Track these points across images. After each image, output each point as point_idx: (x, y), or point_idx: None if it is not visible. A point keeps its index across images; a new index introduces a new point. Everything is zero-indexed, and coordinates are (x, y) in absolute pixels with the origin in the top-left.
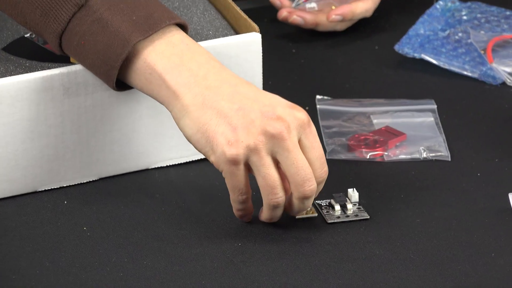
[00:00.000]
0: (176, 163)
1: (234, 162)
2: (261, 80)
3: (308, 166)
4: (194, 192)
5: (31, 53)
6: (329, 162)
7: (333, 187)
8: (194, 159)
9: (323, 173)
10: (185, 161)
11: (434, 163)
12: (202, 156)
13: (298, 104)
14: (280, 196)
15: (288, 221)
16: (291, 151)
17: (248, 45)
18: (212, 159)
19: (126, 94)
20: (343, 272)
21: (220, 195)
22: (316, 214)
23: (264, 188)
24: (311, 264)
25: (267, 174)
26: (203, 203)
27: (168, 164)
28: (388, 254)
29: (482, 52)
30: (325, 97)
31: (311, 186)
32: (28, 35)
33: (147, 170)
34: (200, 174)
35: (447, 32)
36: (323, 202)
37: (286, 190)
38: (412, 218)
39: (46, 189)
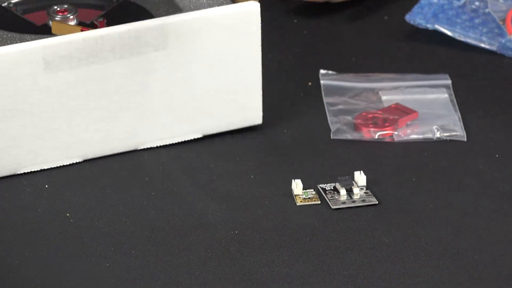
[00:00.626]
0: (167, 143)
1: None
2: (260, 53)
3: None
4: (186, 176)
5: (9, 24)
6: (334, 142)
7: (339, 169)
8: (187, 139)
9: None
10: (177, 141)
11: (449, 143)
12: (196, 136)
13: (300, 79)
14: None
15: (289, 208)
16: None
17: (246, 15)
18: None
19: (113, 68)
20: (349, 262)
21: (215, 178)
22: (319, 202)
23: None
24: (314, 253)
25: None
26: (197, 187)
27: (158, 145)
28: (398, 243)
29: (501, 22)
30: (330, 72)
31: None
32: (5, 4)
33: (135, 151)
34: (193, 155)
35: (462, 1)
36: (327, 186)
37: None
38: (424, 203)
39: (26, 171)
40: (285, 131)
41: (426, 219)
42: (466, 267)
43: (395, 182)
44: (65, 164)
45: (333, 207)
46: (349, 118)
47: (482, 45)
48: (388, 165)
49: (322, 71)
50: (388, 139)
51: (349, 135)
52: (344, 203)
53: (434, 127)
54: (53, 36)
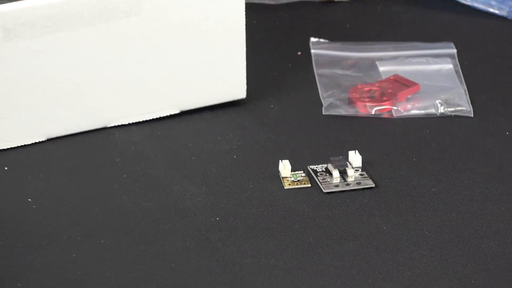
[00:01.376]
0: (140, 120)
1: None
2: (244, 19)
3: None
4: (162, 156)
5: None
6: (326, 119)
7: (331, 149)
8: (162, 116)
9: None
10: (151, 118)
11: (454, 119)
12: (173, 111)
13: (289, 48)
14: None
15: (275, 192)
16: None
17: None
18: None
19: (80, 36)
20: (342, 252)
21: (194, 159)
22: (309, 185)
23: None
24: (304, 243)
25: None
26: (173, 169)
27: (130, 122)
28: (397, 231)
29: None
30: (321, 40)
31: None
32: None
33: (105, 128)
34: (169, 133)
35: None
36: (319, 168)
37: None
38: (426, 186)
39: None
40: (272, 106)
41: (428, 204)
42: (473, 257)
43: (394, 163)
44: (26, 143)
45: (325, 190)
46: (342, 91)
47: (491, 10)
48: (386, 144)
49: (312, 40)
50: (386, 115)
51: (343, 111)
52: (337, 186)
53: (437, 101)
54: (14, 1)
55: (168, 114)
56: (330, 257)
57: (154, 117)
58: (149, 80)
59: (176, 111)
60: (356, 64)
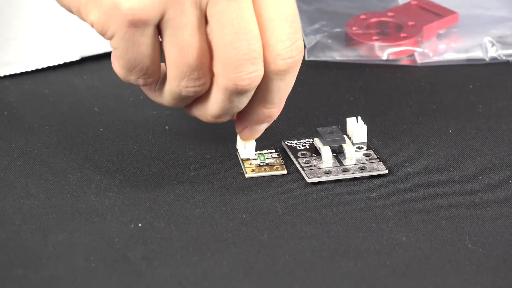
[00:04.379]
0: (31, 69)
1: (138, 22)
2: None
3: (257, 30)
4: (50, 126)
5: None
6: (311, 66)
7: (319, 115)
8: (61, 63)
9: (291, 50)
10: (47, 66)
11: (511, 67)
12: (74, 58)
13: None
14: (201, 83)
15: (231, 182)
16: (232, 1)
17: None
18: (92, 18)
19: None
20: (338, 276)
21: (102, 130)
22: (285, 171)
23: (176, 68)
24: (277, 262)
25: (187, 43)
26: (69, 147)
27: (22, 71)
28: (424, 243)
29: None
30: None
31: (253, 71)
32: None
33: None
34: (64, 90)
35: None
36: (300, 145)
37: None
38: (468, 173)
39: None
40: None
41: (473, 202)
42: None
43: (418, 137)
44: None
45: (309, 180)
46: (337, 24)
47: None
48: (405, 106)
49: None
50: (405, 61)
51: (337, 54)
52: (328, 173)
53: (486, 39)
54: None
55: (68, 61)
56: (319, 285)
57: (52, 65)
58: (46, 21)
59: (77, 58)
60: None
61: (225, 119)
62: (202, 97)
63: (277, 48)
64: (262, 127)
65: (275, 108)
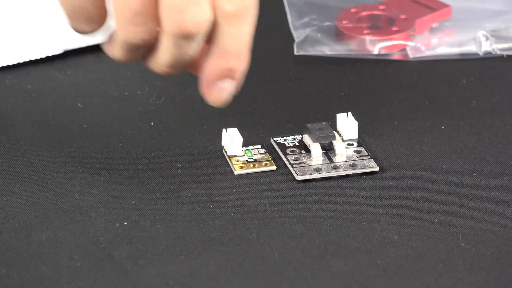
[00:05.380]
0: (15, 63)
1: None
2: None
3: None
4: (33, 122)
5: None
6: (300, 61)
7: (308, 110)
8: (43, 57)
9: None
10: (29, 60)
11: (506, 62)
12: (56, 52)
13: None
14: (146, 29)
15: (218, 180)
16: None
17: None
18: None
19: None
20: (328, 276)
21: (86, 127)
22: (274, 167)
23: (121, 14)
24: (266, 262)
25: None
26: (51, 144)
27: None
28: (416, 242)
29: None
30: None
31: (197, 12)
32: None
33: None
34: (46, 85)
35: None
36: (289, 141)
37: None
38: (461, 170)
39: None
40: None
41: (466, 199)
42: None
43: (410, 133)
44: None
45: (298, 177)
46: (327, 18)
47: None
48: (396, 102)
49: None
50: (397, 56)
51: (327, 49)
52: (318, 170)
53: (480, 33)
54: None
55: (51, 55)
56: (308, 285)
57: (34, 59)
58: (28, 15)
59: (60, 52)
60: None
61: (179, 70)
62: (153, 47)
63: None
64: (227, 86)
65: (232, 59)
